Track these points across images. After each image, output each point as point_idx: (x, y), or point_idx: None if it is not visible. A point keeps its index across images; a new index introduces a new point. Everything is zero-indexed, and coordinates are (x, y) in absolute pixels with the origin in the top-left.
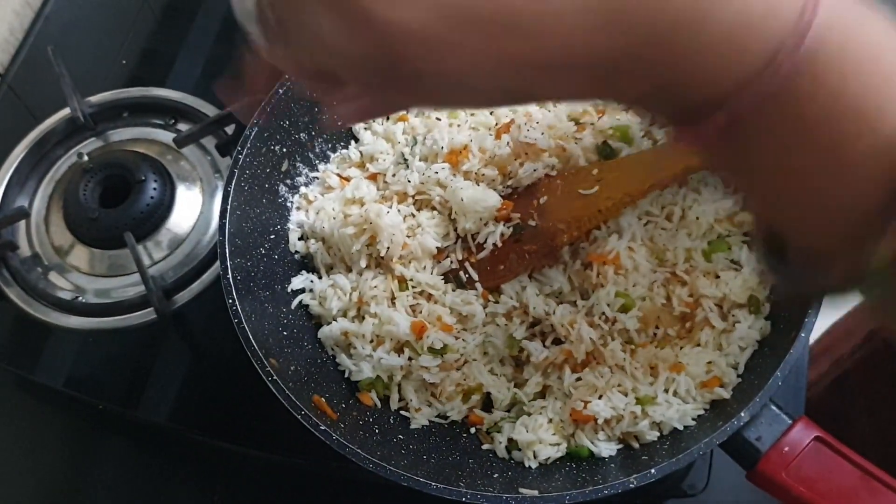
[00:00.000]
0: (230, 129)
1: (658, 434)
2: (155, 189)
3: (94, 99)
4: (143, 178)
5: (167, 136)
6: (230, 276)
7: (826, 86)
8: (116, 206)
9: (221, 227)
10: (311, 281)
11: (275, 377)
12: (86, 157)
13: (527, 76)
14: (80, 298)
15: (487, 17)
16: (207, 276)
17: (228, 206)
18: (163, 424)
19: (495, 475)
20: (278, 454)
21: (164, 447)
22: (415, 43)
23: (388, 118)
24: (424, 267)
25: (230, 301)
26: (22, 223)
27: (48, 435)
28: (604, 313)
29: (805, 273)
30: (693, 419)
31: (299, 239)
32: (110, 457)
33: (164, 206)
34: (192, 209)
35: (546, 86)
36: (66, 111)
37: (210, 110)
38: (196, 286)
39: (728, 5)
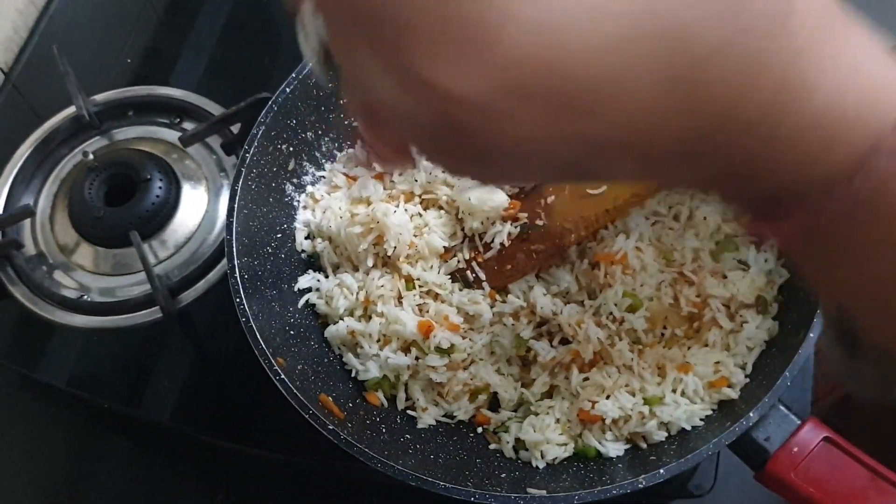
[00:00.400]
0: (235, 129)
1: (666, 434)
2: (160, 188)
3: (98, 97)
4: (149, 176)
5: (172, 135)
6: (237, 274)
7: None
8: (122, 205)
9: (229, 225)
10: (318, 280)
11: (282, 376)
12: (91, 156)
13: (590, 155)
14: (85, 297)
15: (557, 92)
16: (213, 275)
17: (236, 205)
18: (166, 424)
19: (503, 475)
20: (283, 454)
21: (167, 446)
22: (474, 114)
23: None
24: (431, 266)
25: (237, 300)
26: (27, 222)
27: (51, 434)
28: (611, 313)
29: (877, 371)
30: (701, 419)
31: (306, 238)
32: (113, 456)
33: (170, 204)
34: (197, 208)
35: (609, 167)
36: (70, 110)
37: (215, 109)
38: (202, 285)
39: (818, 93)
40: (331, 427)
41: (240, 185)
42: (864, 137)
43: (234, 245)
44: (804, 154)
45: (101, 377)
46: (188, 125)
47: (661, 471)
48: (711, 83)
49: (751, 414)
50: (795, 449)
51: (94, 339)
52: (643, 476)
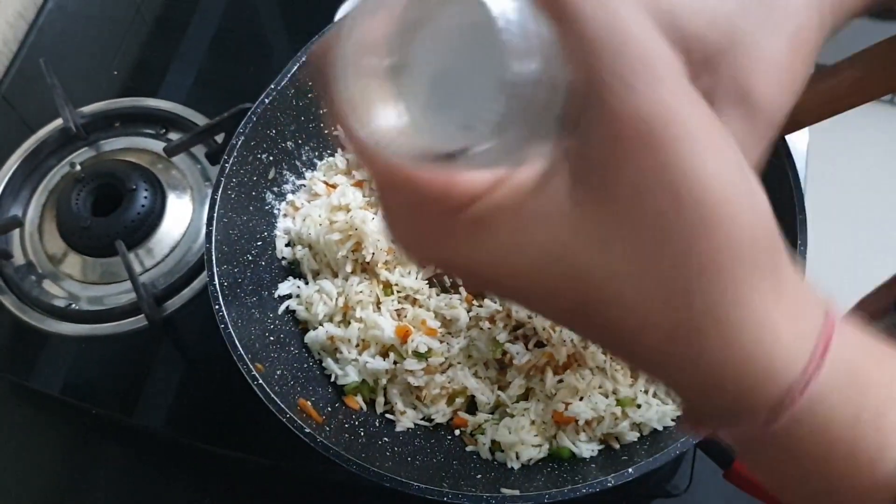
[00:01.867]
0: (220, 138)
1: (638, 435)
2: (146, 198)
3: (86, 109)
4: (134, 186)
5: (158, 146)
6: (217, 282)
7: (818, 439)
8: (108, 215)
9: (208, 234)
10: (298, 286)
11: (260, 381)
12: (78, 167)
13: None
14: (74, 305)
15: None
16: (197, 283)
17: (215, 214)
18: (158, 430)
19: (479, 476)
20: (268, 458)
21: (158, 453)
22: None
23: None
24: (409, 272)
25: (217, 307)
26: (16, 232)
27: (43, 442)
28: None
29: None
30: (672, 420)
31: (286, 245)
32: (105, 463)
33: (155, 214)
34: (182, 217)
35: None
36: (58, 121)
37: (200, 120)
38: (186, 293)
39: (715, 352)
40: (307, 430)
41: (219, 195)
42: (749, 400)
43: (213, 253)
44: (703, 395)
45: (92, 384)
46: (174, 136)
47: (630, 470)
48: (609, 325)
49: None
50: None
51: (84, 346)
52: (612, 475)
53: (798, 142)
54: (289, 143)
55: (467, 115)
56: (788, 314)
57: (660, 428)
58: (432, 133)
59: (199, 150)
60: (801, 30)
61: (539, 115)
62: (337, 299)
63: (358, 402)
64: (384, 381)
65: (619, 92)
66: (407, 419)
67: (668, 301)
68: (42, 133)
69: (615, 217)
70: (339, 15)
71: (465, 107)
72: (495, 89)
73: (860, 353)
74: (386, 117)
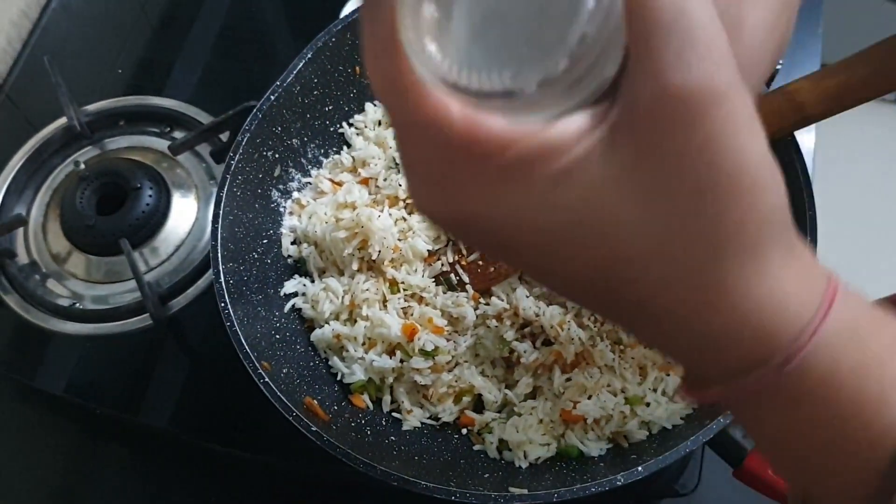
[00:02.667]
0: (225, 136)
1: (647, 433)
2: (150, 196)
3: (90, 108)
4: (139, 185)
5: (162, 144)
6: (222, 280)
7: (826, 383)
8: (112, 214)
9: (214, 231)
10: (304, 284)
11: (266, 379)
12: (82, 166)
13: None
14: (78, 305)
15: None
16: (202, 282)
17: (221, 212)
18: (163, 429)
19: (486, 475)
20: (274, 457)
21: (163, 452)
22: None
23: (380, 123)
24: (416, 269)
25: (222, 305)
26: (20, 231)
27: (47, 441)
28: (593, 314)
29: None
30: (681, 418)
31: (292, 243)
32: (110, 463)
33: (160, 212)
34: (187, 216)
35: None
36: (62, 120)
37: (205, 118)
38: (191, 292)
39: (720, 312)
40: (314, 429)
41: (225, 192)
42: (764, 348)
43: (219, 251)
44: (717, 351)
45: (97, 384)
46: (178, 134)
47: (640, 468)
48: (626, 285)
49: (728, 412)
50: None
51: (88, 346)
52: (622, 473)
53: (805, 139)
54: (294, 141)
55: (516, 61)
56: (798, 276)
57: (669, 426)
58: (478, 71)
59: (204, 149)
60: None
61: (586, 73)
62: (343, 297)
63: (364, 400)
64: (391, 380)
65: (677, 67)
66: (414, 418)
67: (697, 260)
68: (46, 132)
69: (656, 181)
70: (344, 12)
71: (516, 52)
72: (552, 41)
73: (861, 312)
74: (434, 47)
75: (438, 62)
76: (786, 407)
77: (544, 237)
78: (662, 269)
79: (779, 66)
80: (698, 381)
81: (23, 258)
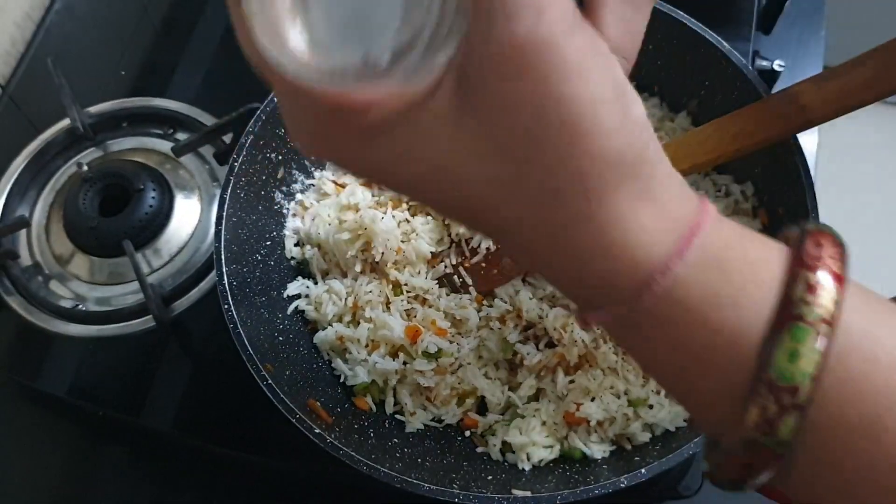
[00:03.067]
0: (228, 138)
1: (650, 435)
2: (153, 198)
3: (93, 109)
4: (142, 186)
5: (166, 146)
6: (226, 281)
7: (681, 316)
8: (115, 215)
9: (217, 233)
10: (307, 286)
11: (269, 381)
12: (85, 167)
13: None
14: (81, 306)
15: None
16: (205, 284)
17: (224, 213)
18: (166, 431)
19: (489, 477)
20: (277, 459)
21: (165, 454)
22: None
23: None
24: (419, 272)
25: (226, 307)
26: (23, 232)
27: (50, 443)
28: None
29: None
30: (685, 421)
31: (295, 245)
32: (113, 465)
33: (163, 214)
34: (190, 217)
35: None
36: (66, 122)
37: (208, 119)
38: (194, 293)
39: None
40: (317, 431)
41: (228, 194)
42: (634, 277)
43: (222, 252)
44: (579, 285)
45: (100, 386)
46: (181, 136)
47: (643, 470)
48: (487, 221)
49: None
50: None
51: (92, 348)
52: (625, 476)
53: (808, 141)
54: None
55: (367, 39)
56: (655, 212)
57: (672, 429)
58: (333, 51)
59: (207, 151)
60: None
61: (436, 38)
62: (346, 299)
63: (368, 402)
64: (394, 382)
65: (502, 21)
66: (417, 420)
67: (543, 205)
68: (49, 133)
69: (488, 133)
70: None
71: (367, 29)
72: (395, 14)
73: (732, 244)
74: (288, 36)
75: (295, 50)
76: (648, 332)
77: (418, 185)
78: (512, 212)
79: (781, 68)
80: (578, 304)
81: (26, 260)
